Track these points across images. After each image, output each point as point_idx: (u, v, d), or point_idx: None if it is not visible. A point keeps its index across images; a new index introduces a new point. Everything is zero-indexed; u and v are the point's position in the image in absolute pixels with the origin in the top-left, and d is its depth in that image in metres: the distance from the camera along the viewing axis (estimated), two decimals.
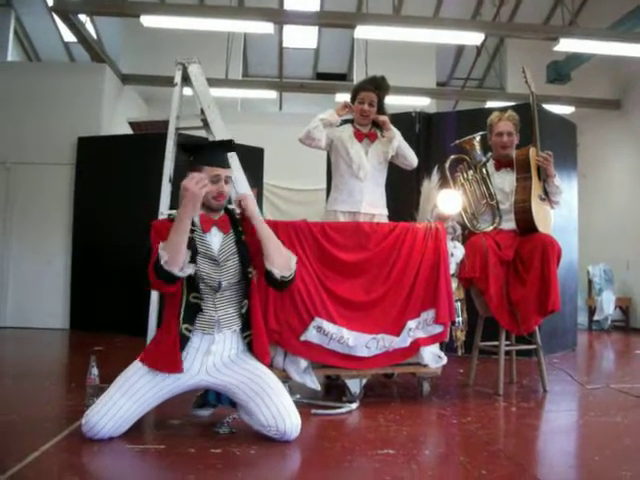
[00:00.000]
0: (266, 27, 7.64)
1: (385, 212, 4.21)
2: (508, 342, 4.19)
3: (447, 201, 3.77)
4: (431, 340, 3.65)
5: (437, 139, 6.04)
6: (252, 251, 2.91)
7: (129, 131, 7.95)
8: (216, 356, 2.82)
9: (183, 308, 2.77)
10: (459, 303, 3.81)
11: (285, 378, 3.41)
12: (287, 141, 5.46)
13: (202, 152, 2.86)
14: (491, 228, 4.09)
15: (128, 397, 2.67)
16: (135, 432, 2.72)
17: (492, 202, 4.13)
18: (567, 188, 5.26)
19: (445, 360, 3.71)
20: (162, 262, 2.59)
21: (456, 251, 3.77)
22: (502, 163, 4.18)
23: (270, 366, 3.04)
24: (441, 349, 3.74)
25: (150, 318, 4.43)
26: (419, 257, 3.66)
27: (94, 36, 9.89)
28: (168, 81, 5.07)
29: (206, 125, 4.62)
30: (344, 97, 5.54)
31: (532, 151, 4.05)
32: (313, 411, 3.27)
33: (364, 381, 3.66)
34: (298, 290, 3.43)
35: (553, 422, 3.37)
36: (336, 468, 2.42)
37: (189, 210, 2.67)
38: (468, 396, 3.91)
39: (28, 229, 7.64)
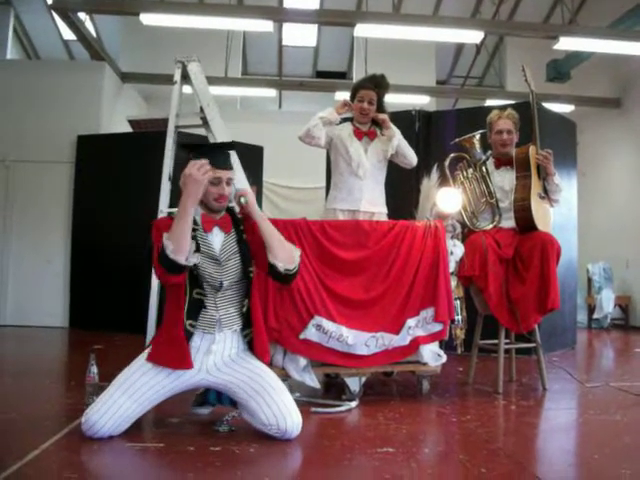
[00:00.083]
0: (265, 25, 7.64)
1: (384, 210, 4.20)
2: (508, 340, 4.19)
3: (447, 199, 3.77)
4: (430, 338, 3.65)
5: (437, 137, 6.04)
6: (253, 249, 2.91)
7: (129, 129, 7.94)
8: (217, 355, 2.82)
9: (187, 304, 2.76)
10: (458, 301, 3.81)
11: (284, 376, 3.41)
12: (287, 139, 5.46)
13: (203, 154, 2.85)
14: (491, 226, 4.09)
15: (128, 396, 2.67)
16: (135, 430, 2.72)
17: (492, 200, 4.13)
18: (567, 186, 5.26)
19: (444, 358, 3.71)
20: (168, 251, 2.58)
21: (456, 249, 3.77)
22: (502, 161, 4.18)
23: (270, 364, 3.04)
24: (440, 347, 3.74)
25: (149, 316, 4.43)
26: (418, 255, 3.66)
27: (93, 34, 9.91)
28: (167, 79, 5.07)
29: (205, 123, 4.62)
30: (344, 95, 5.53)
31: (532, 149, 4.04)
32: (313, 409, 3.27)
33: (363, 379, 3.66)
34: (297, 288, 3.43)
35: (552, 420, 3.37)
36: (336, 466, 2.42)
37: (192, 197, 2.67)
38: (467, 394, 3.91)
39: (28, 227, 7.63)
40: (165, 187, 4.58)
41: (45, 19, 11.60)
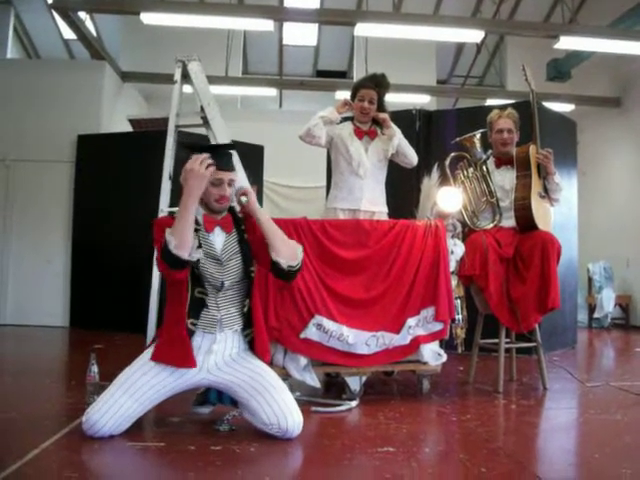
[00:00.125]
0: (266, 24, 7.63)
1: (385, 210, 4.21)
2: (508, 340, 4.19)
3: (447, 199, 3.77)
4: (431, 338, 3.65)
5: (437, 137, 6.04)
6: (255, 248, 2.91)
7: (129, 129, 7.93)
8: (217, 355, 2.82)
9: (188, 303, 2.76)
10: (459, 301, 3.81)
11: (285, 376, 3.41)
12: (287, 139, 5.45)
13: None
14: (491, 226, 4.09)
15: (129, 395, 2.66)
16: (135, 430, 2.72)
17: (492, 200, 4.13)
18: (567, 186, 5.26)
19: (445, 358, 3.71)
20: (171, 247, 2.58)
21: (456, 249, 3.77)
22: (502, 161, 4.18)
23: (270, 364, 3.04)
24: (441, 347, 3.74)
25: (150, 315, 4.42)
26: (419, 255, 3.66)
27: (94, 33, 9.91)
28: (168, 78, 5.07)
29: (206, 123, 4.61)
30: (344, 95, 5.53)
31: (532, 149, 4.05)
32: (313, 409, 3.27)
33: (364, 379, 3.66)
34: (298, 288, 3.44)
35: (553, 420, 3.37)
36: (336, 466, 2.42)
37: (195, 192, 2.68)
38: (468, 394, 3.91)
39: (28, 227, 7.63)
40: (165, 186, 4.58)
41: (45, 18, 11.59)
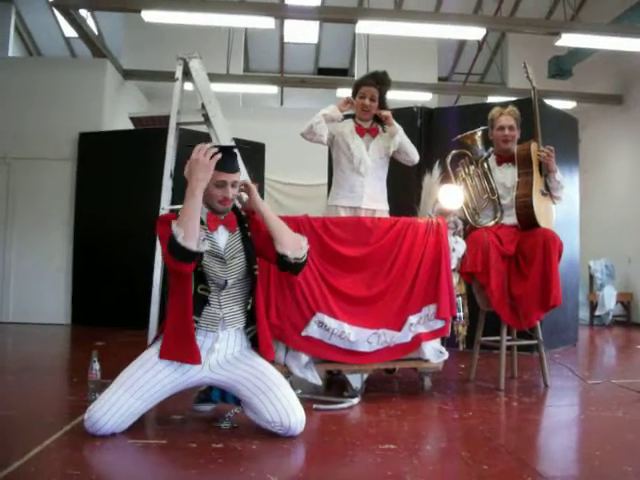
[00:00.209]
0: (267, 22, 7.63)
1: (386, 207, 4.21)
2: (509, 337, 4.19)
3: (449, 196, 3.77)
4: (432, 335, 3.65)
5: (438, 134, 6.03)
6: (260, 244, 2.92)
7: (130, 126, 7.95)
8: (219, 353, 2.82)
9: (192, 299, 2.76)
10: (460, 298, 3.81)
11: (286, 373, 3.41)
12: (288, 136, 5.45)
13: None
14: (492, 223, 4.09)
15: (131, 393, 2.66)
16: (137, 427, 2.73)
17: (493, 197, 4.13)
18: (568, 183, 5.25)
19: (446, 355, 3.71)
20: (179, 239, 2.56)
21: (457, 246, 3.77)
22: (503, 158, 4.18)
23: (272, 362, 3.04)
24: (442, 344, 3.74)
25: (152, 312, 4.43)
26: (420, 252, 3.66)
27: (95, 31, 9.88)
28: (169, 76, 5.06)
29: (207, 120, 4.61)
30: (345, 92, 5.54)
31: (533, 146, 4.04)
32: (315, 406, 3.27)
33: (365, 376, 3.66)
34: (299, 285, 3.44)
35: (554, 417, 3.38)
36: (337, 463, 2.42)
37: (201, 182, 2.67)
38: (469, 391, 3.92)
39: (29, 225, 7.63)
40: (167, 184, 4.58)
41: (46, 16, 11.59)
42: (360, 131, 4.15)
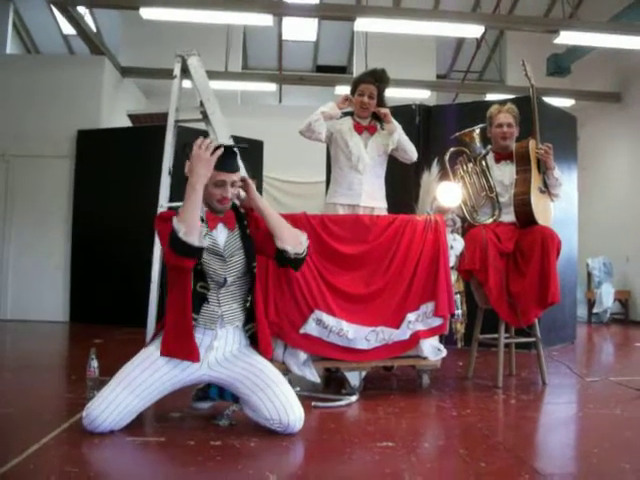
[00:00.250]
0: (265, 19, 7.62)
1: (384, 205, 4.21)
2: (507, 335, 4.20)
3: (447, 193, 3.77)
4: (431, 332, 3.65)
5: (437, 132, 6.03)
6: (259, 241, 2.92)
7: (128, 124, 7.94)
8: (218, 351, 2.82)
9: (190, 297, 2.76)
10: (459, 295, 3.82)
11: (285, 371, 3.41)
12: (287, 134, 5.45)
13: None
14: (491, 220, 4.09)
15: (129, 391, 2.66)
16: (136, 424, 2.72)
17: (492, 194, 4.13)
18: (567, 181, 5.25)
19: (445, 353, 3.71)
20: (180, 234, 2.56)
21: (456, 243, 3.77)
22: (502, 155, 4.18)
23: (270, 359, 3.04)
24: (441, 341, 3.74)
25: (150, 310, 4.42)
26: (419, 250, 3.66)
27: (93, 29, 9.89)
28: (167, 73, 5.05)
29: (205, 117, 4.61)
30: (344, 90, 5.53)
31: (532, 143, 4.05)
32: (313, 404, 3.27)
33: (364, 374, 3.67)
34: (298, 283, 3.44)
35: (552, 414, 3.38)
36: (336, 460, 2.42)
37: (202, 177, 2.67)
38: (467, 389, 3.92)
39: (28, 222, 7.63)
40: (165, 181, 4.58)
41: (45, 13, 11.55)
42: (358, 128, 4.15)
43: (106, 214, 7.21)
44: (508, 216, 4.09)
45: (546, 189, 4.05)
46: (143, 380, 2.69)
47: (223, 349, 2.83)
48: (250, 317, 2.91)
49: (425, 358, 3.66)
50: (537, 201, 3.97)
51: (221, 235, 2.87)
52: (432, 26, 7.92)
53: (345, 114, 4.26)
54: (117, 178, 7.19)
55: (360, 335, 3.50)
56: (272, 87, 11.41)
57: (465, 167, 4.15)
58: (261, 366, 2.82)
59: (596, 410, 3.33)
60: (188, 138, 3.18)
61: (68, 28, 9.85)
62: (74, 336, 6.59)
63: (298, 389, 3.45)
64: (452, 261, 3.75)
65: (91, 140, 7.54)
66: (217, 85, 8.35)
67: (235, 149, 2.93)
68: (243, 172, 4.13)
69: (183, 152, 2.84)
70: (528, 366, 4.65)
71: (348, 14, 7.96)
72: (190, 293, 2.74)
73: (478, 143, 4.16)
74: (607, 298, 8.88)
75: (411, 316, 3.59)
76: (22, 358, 4.98)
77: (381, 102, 4.15)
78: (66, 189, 7.64)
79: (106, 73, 8.23)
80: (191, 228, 2.59)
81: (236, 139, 4.72)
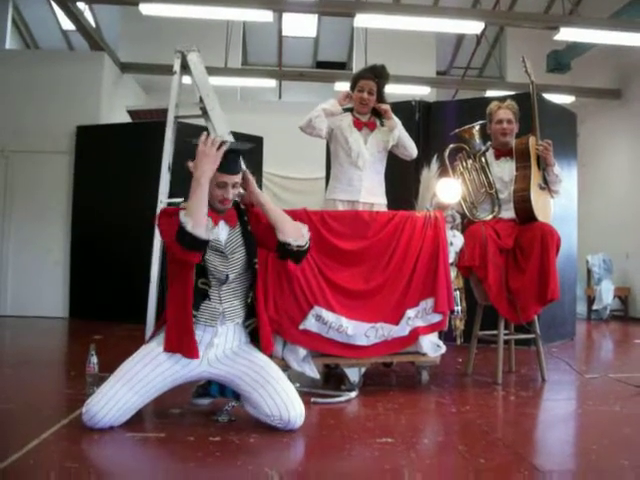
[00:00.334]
0: (265, 15, 7.61)
1: (384, 201, 4.20)
2: (507, 331, 4.20)
3: (446, 190, 3.77)
4: (430, 329, 3.65)
5: (437, 128, 6.03)
6: (261, 235, 2.92)
7: (128, 119, 7.93)
8: (218, 348, 2.82)
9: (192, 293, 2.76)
10: (458, 292, 3.82)
11: (284, 367, 3.41)
12: (287, 130, 5.44)
13: None
14: (490, 217, 4.09)
15: (129, 388, 2.66)
16: (135, 421, 2.73)
17: (491, 191, 4.13)
18: (567, 177, 5.25)
19: (444, 349, 3.72)
20: (188, 228, 2.56)
21: (455, 240, 3.77)
22: (501, 152, 4.18)
23: (270, 355, 3.04)
24: (440, 338, 3.74)
25: (149, 306, 4.42)
26: (418, 246, 3.66)
27: (93, 24, 9.87)
28: (167, 69, 5.05)
29: (205, 113, 4.60)
30: (344, 86, 5.53)
31: (532, 140, 4.04)
32: (312, 400, 3.27)
33: (363, 370, 3.67)
34: (297, 279, 3.44)
35: (552, 411, 3.39)
36: (335, 456, 2.43)
37: (207, 172, 2.68)
38: (467, 385, 3.92)
39: (27, 218, 7.63)
40: (165, 177, 4.57)
41: (44, 9, 11.54)
42: (358, 125, 4.14)
43: (105, 210, 7.21)
44: (508, 212, 4.09)
45: (546, 186, 4.05)
46: (144, 376, 2.69)
47: (223, 346, 2.83)
48: (250, 313, 2.91)
49: (424, 354, 3.67)
50: (537, 198, 3.97)
51: (223, 232, 2.87)
52: (432, 22, 7.91)
53: (345, 110, 4.25)
54: (116, 174, 7.18)
55: (359, 331, 3.50)
56: (272, 83, 11.39)
57: (465, 163, 4.15)
58: (261, 363, 2.82)
59: (595, 407, 3.34)
60: (188, 134, 3.18)
61: (67, 23, 9.85)
62: (73, 332, 6.60)
63: (297, 385, 3.45)
64: (452, 257, 3.75)
65: (90, 136, 7.54)
66: (217, 81, 8.34)
67: (239, 148, 2.92)
68: (243, 167, 4.14)
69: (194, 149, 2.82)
70: (527, 363, 4.66)
71: (348, 10, 7.95)
72: (191, 288, 2.74)
73: (478, 139, 4.16)
74: (607, 295, 8.88)
75: (410, 312, 3.59)
76: (22, 354, 4.99)
77: (381, 98, 4.14)
78: (65, 185, 7.63)
79: (105, 69, 8.22)
80: (198, 221, 2.59)
81: (236, 135, 4.71)
